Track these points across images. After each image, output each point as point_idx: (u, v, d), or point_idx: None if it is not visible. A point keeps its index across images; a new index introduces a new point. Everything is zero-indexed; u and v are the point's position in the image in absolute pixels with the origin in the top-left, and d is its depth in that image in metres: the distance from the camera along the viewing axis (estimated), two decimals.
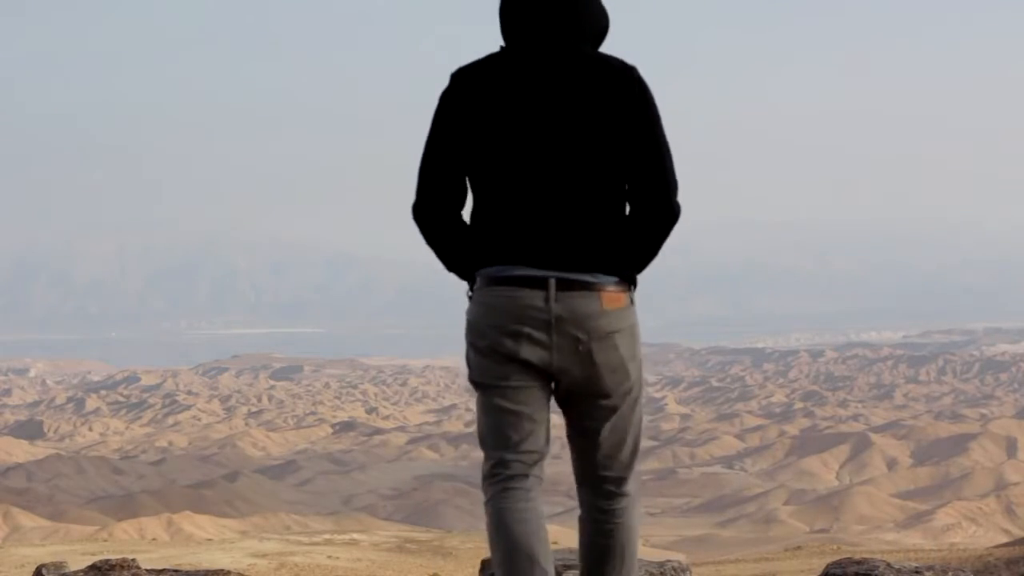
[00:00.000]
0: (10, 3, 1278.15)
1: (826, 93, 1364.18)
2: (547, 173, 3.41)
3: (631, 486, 3.58)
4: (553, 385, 3.51)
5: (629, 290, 3.49)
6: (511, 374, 3.45)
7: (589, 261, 3.42)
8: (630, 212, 3.48)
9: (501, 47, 3.52)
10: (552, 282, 3.39)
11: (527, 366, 3.44)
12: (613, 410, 3.50)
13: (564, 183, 3.41)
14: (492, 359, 3.45)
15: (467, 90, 3.44)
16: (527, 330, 3.41)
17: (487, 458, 3.53)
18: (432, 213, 3.48)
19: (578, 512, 3.71)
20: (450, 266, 3.55)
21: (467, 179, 3.49)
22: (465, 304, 3.57)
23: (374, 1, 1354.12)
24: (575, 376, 3.46)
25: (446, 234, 3.50)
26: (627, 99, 3.41)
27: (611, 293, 3.43)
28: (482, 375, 3.49)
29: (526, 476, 3.49)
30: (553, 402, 3.58)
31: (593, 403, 3.50)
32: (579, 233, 3.41)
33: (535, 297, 3.40)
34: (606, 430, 3.52)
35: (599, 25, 3.50)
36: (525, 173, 3.41)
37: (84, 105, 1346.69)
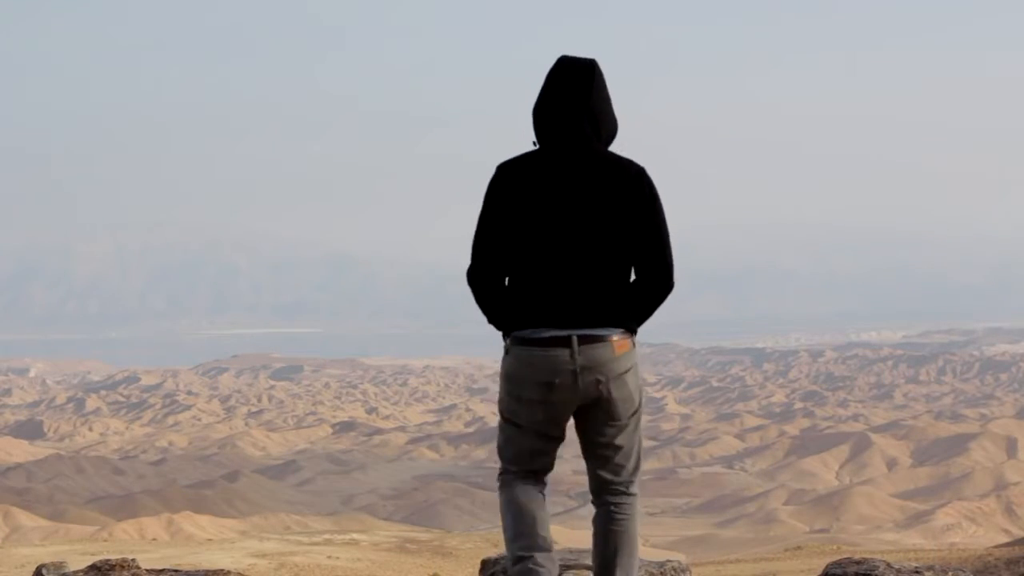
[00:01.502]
0: (15, 2, 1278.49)
1: (827, 94, 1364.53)
2: (570, 252, 4.38)
3: (635, 488, 4.60)
4: (573, 414, 4.52)
5: (631, 337, 4.48)
6: (540, 419, 4.47)
7: (601, 319, 4.40)
8: (635, 282, 4.49)
9: (534, 143, 4.51)
10: (575, 339, 4.38)
11: (554, 409, 4.45)
12: (622, 429, 4.52)
13: (583, 261, 4.39)
14: (527, 405, 4.46)
15: (509, 181, 4.42)
16: (558, 380, 4.39)
17: (503, 465, 4.61)
18: (483, 279, 4.48)
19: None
20: (492, 321, 4.54)
21: (509, 252, 4.46)
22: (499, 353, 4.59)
23: (379, 2, 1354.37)
24: (596, 407, 4.47)
25: (493, 296, 4.49)
26: (638, 197, 4.41)
27: (619, 341, 4.43)
28: (515, 416, 4.52)
29: (535, 480, 4.57)
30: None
31: (607, 424, 4.50)
32: (594, 299, 4.39)
33: (563, 353, 4.38)
34: (616, 444, 4.53)
35: (612, 130, 4.53)
36: (552, 252, 4.38)
37: (84, 105, 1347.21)
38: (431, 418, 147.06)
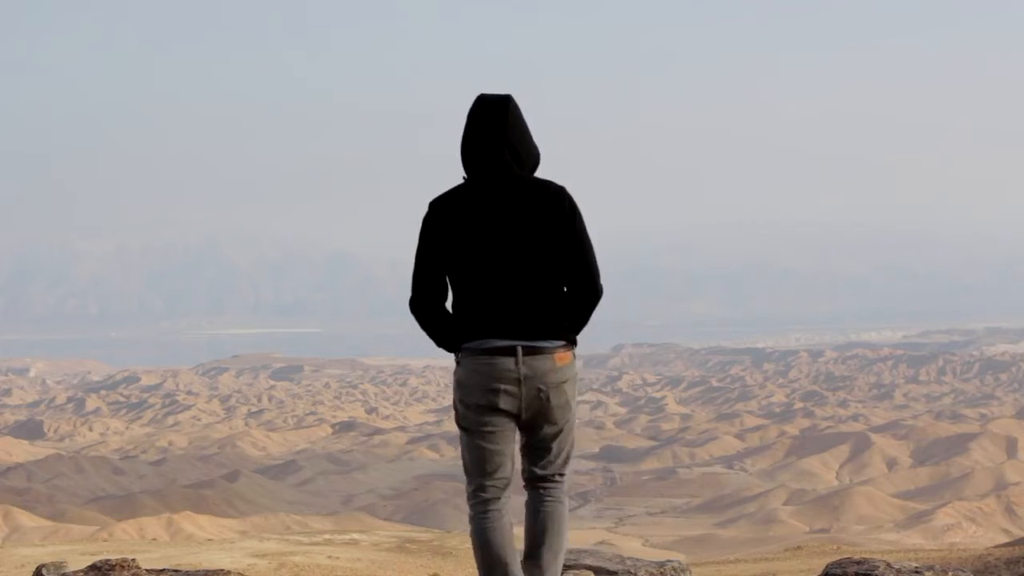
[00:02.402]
0: (15, 2, 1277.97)
1: (826, 94, 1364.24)
2: (506, 271, 4.79)
3: (564, 483, 5.04)
4: (519, 419, 4.92)
5: (571, 349, 4.92)
6: (490, 421, 4.87)
7: (542, 331, 4.83)
8: (567, 293, 4.90)
9: (464, 178, 4.91)
10: (519, 349, 4.81)
11: (502, 413, 4.86)
12: (558, 432, 4.97)
13: (519, 277, 4.80)
14: (476, 411, 4.87)
15: (442, 215, 4.84)
16: (503, 386, 4.82)
17: (469, 483, 4.98)
18: (425, 307, 4.89)
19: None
20: (439, 343, 4.95)
21: (448, 279, 4.87)
22: (453, 367, 4.87)
23: (378, 3, 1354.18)
24: (536, 412, 4.90)
25: (435, 321, 4.91)
26: (559, 213, 4.82)
27: (560, 354, 4.86)
28: (467, 422, 4.91)
29: (498, 499, 4.95)
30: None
31: (545, 428, 4.95)
32: (533, 312, 4.82)
33: (508, 362, 4.81)
34: (552, 444, 4.99)
35: (533, 158, 4.94)
36: (490, 272, 4.79)
37: (85, 106, 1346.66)
38: (431, 418, 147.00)
